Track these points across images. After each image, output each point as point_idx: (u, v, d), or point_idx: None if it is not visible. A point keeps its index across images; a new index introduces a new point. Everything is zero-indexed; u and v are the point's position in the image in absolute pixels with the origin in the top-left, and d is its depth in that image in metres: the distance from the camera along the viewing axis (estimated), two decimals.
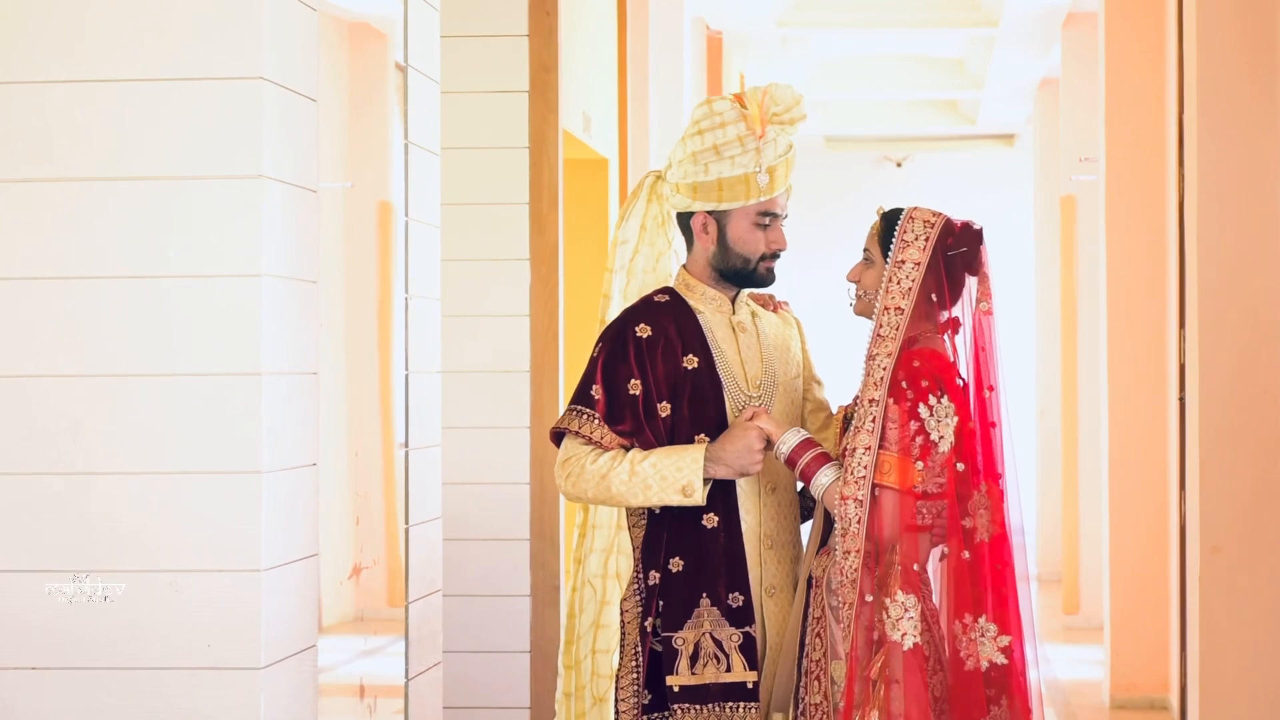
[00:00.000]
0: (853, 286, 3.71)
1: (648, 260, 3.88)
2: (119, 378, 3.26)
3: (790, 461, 3.65)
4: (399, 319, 4.34)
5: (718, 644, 3.68)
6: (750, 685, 3.68)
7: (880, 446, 3.53)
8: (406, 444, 4.21)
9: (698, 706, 3.67)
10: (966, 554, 3.56)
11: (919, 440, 3.52)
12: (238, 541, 3.23)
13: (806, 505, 3.88)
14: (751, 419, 3.66)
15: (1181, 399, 6.04)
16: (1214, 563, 5.69)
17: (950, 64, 13.39)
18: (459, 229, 5.72)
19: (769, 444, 3.66)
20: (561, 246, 5.86)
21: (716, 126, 3.71)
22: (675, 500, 3.63)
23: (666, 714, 3.70)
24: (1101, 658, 8.67)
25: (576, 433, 3.69)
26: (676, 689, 3.68)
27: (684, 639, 3.69)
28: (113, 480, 3.25)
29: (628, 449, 3.67)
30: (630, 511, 3.77)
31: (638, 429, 3.67)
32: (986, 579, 3.55)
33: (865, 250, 3.70)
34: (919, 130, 15.11)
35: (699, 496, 3.62)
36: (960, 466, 3.56)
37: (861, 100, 14.89)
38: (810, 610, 3.69)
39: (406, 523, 4.21)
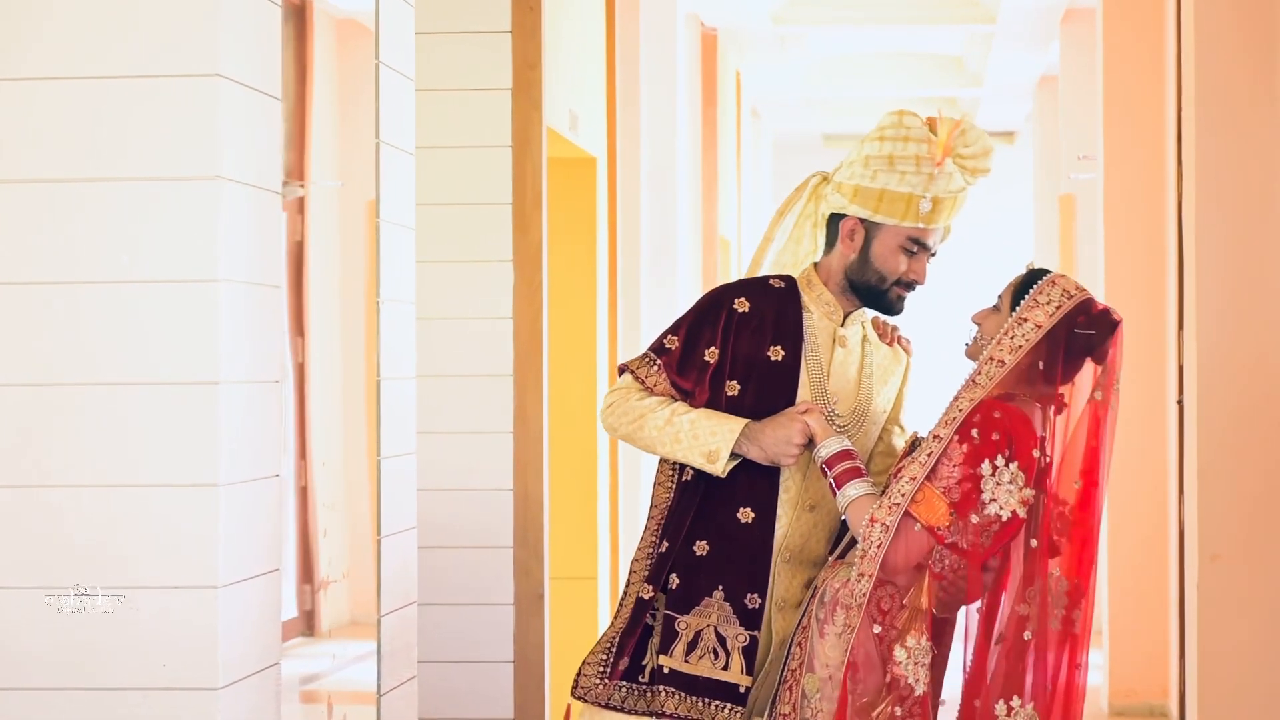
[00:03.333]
0: (976, 328, 3.61)
1: (792, 257, 3.81)
2: (70, 386, 3.15)
3: (824, 467, 3.55)
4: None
5: (720, 640, 3.59)
6: (743, 689, 3.59)
7: (927, 479, 3.43)
8: (378, 452, 4.10)
9: (681, 694, 3.58)
10: (1028, 635, 3.46)
11: (964, 487, 3.41)
12: (194, 556, 3.13)
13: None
14: (804, 413, 3.58)
15: (1180, 402, 5.96)
16: (1213, 570, 5.62)
17: (949, 61, 13.32)
18: (440, 230, 5.62)
19: (811, 443, 3.57)
20: (546, 247, 5.76)
21: (899, 139, 3.61)
22: (697, 462, 3.57)
23: (635, 686, 3.60)
24: (1100, 663, 8.57)
25: (635, 372, 3.65)
26: (666, 670, 3.59)
27: (687, 624, 3.61)
28: (64, 493, 3.14)
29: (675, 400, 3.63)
30: (661, 469, 3.69)
31: (697, 393, 3.61)
32: (1040, 668, 3.46)
33: (998, 297, 3.60)
34: None
35: (720, 467, 3.56)
36: (1034, 543, 3.46)
37: (860, 98, 14.81)
38: (801, 619, 3.61)
39: (379, 533, 4.11)
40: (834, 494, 3.55)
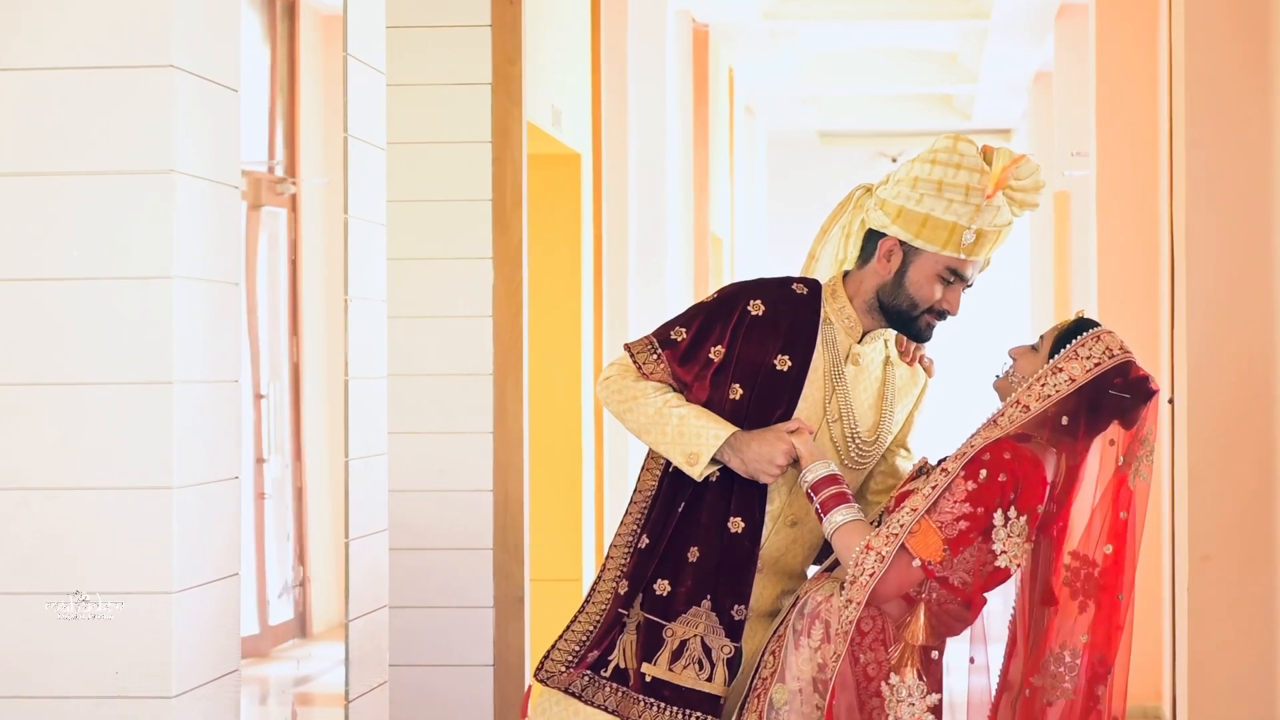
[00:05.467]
0: (1010, 363, 3.51)
1: (834, 268, 3.71)
2: (18, 386, 3.07)
3: (810, 491, 3.47)
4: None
5: (706, 650, 3.51)
6: (723, 701, 3.51)
7: (927, 512, 3.35)
8: (347, 454, 4.02)
9: (660, 705, 3.50)
10: (1028, 692, 3.40)
11: (962, 525, 3.33)
12: (147, 561, 3.05)
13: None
14: (793, 432, 3.49)
15: (1171, 401, 5.89)
16: (1203, 571, 5.56)
17: (943, 57, 13.25)
18: (419, 227, 5.55)
19: (796, 463, 3.49)
20: (526, 244, 5.68)
21: (951, 165, 3.50)
22: (676, 459, 3.49)
23: (595, 678, 3.52)
24: None
25: (635, 357, 3.57)
26: (649, 679, 3.50)
27: (673, 632, 3.52)
28: (13, 495, 3.07)
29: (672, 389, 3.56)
30: (652, 453, 3.60)
31: (695, 387, 3.53)
32: None
33: (1039, 338, 3.50)
34: (913, 125, 14.95)
35: (698, 471, 3.47)
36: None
37: (855, 95, 14.74)
38: (778, 629, 3.53)
39: (347, 536, 4.03)
40: (820, 518, 3.47)
